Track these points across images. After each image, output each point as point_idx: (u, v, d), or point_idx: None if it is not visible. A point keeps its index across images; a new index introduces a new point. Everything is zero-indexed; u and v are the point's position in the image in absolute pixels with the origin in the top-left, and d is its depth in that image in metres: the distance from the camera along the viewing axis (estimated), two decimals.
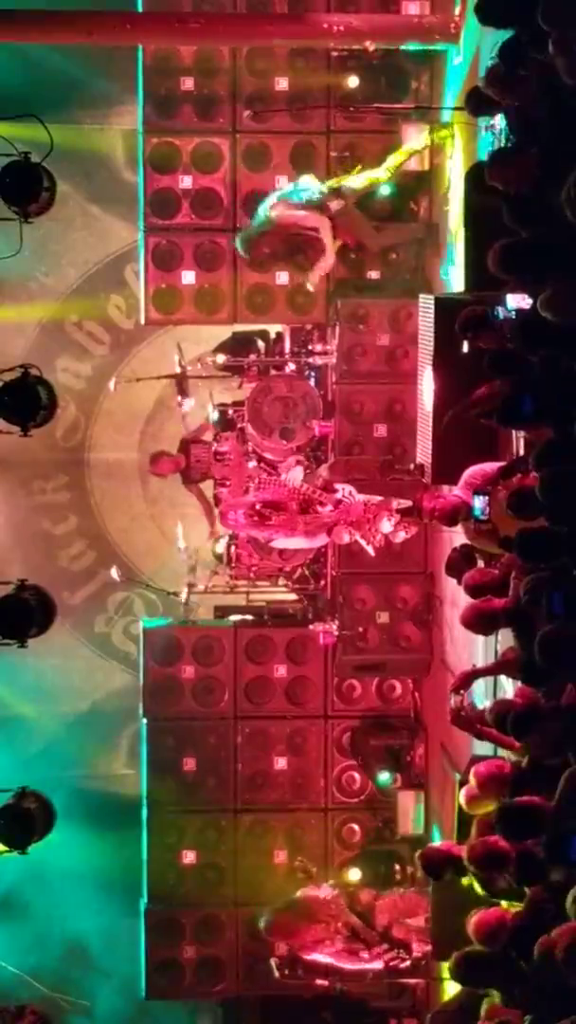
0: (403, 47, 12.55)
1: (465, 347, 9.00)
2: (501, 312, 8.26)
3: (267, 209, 12.14)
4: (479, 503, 8.72)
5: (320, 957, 11.31)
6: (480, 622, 8.20)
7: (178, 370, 13.41)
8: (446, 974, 8.28)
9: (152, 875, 13.51)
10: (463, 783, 8.64)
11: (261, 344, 13.60)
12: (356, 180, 12.27)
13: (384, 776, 13.18)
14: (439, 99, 12.76)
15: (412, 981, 12.21)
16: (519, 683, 8.07)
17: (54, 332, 15.92)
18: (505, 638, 8.55)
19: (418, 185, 12.93)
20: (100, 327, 16.10)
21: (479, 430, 8.94)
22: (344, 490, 10.99)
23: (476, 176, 8.76)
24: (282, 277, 13.28)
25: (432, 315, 10.05)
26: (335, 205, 12.09)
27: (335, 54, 12.91)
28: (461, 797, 8.56)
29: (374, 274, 13.30)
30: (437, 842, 9.64)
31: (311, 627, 13.08)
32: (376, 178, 12.28)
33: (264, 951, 12.68)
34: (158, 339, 15.39)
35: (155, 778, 13.52)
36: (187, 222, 13.38)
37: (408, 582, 12.94)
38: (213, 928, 13.50)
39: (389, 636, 12.95)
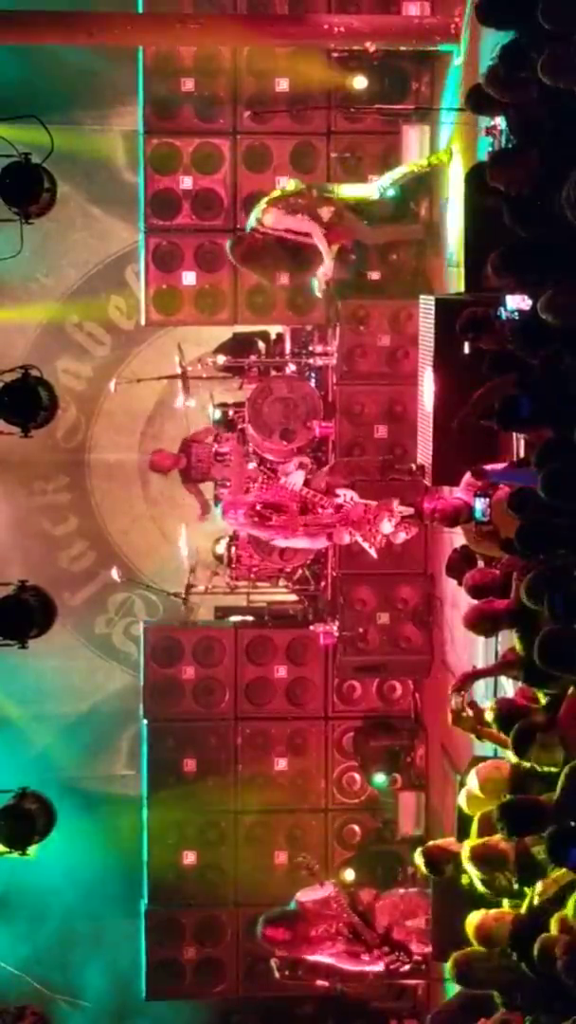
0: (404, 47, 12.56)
1: (466, 348, 9.01)
2: (504, 313, 8.27)
3: (259, 213, 12.12)
4: (480, 505, 8.73)
5: (321, 958, 11.30)
6: (482, 623, 8.20)
7: (179, 371, 13.42)
8: (447, 975, 8.27)
9: (152, 876, 13.51)
10: (463, 783, 8.65)
11: (261, 345, 13.61)
12: (347, 190, 12.25)
13: (379, 778, 13.18)
14: (440, 100, 12.75)
15: (413, 982, 12.22)
16: (519, 683, 8.08)
17: (55, 333, 15.93)
18: (505, 639, 8.55)
19: (418, 186, 12.91)
20: (101, 328, 16.11)
21: (480, 432, 8.94)
22: (345, 495, 10.99)
23: (476, 177, 8.76)
24: (282, 278, 13.28)
25: (432, 316, 10.05)
26: (326, 213, 12.06)
27: (336, 55, 12.90)
28: (461, 797, 8.57)
29: (375, 275, 13.30)
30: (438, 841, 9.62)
31: (311, 628, 13.08)
32: (365, 196, 12.25)
33: (264, 952, 12.67)
34: (158, 340, 15.40)
35: (155, 779, 13.53)
36: (188, 223, 13.38)
37: (408, 583, 12.94)
38: (213, 929, 13.51)
39: (389, 637, 12.94)
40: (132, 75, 13.36)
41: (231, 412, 13.21)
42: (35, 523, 16.17)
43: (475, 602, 8.33)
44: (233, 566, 13.09)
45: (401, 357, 12.80)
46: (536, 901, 7.32)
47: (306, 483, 11.25)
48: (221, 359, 13.31)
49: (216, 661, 13.55)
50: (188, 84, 13.24)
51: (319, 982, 11.60)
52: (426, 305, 10.41)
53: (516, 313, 8.08)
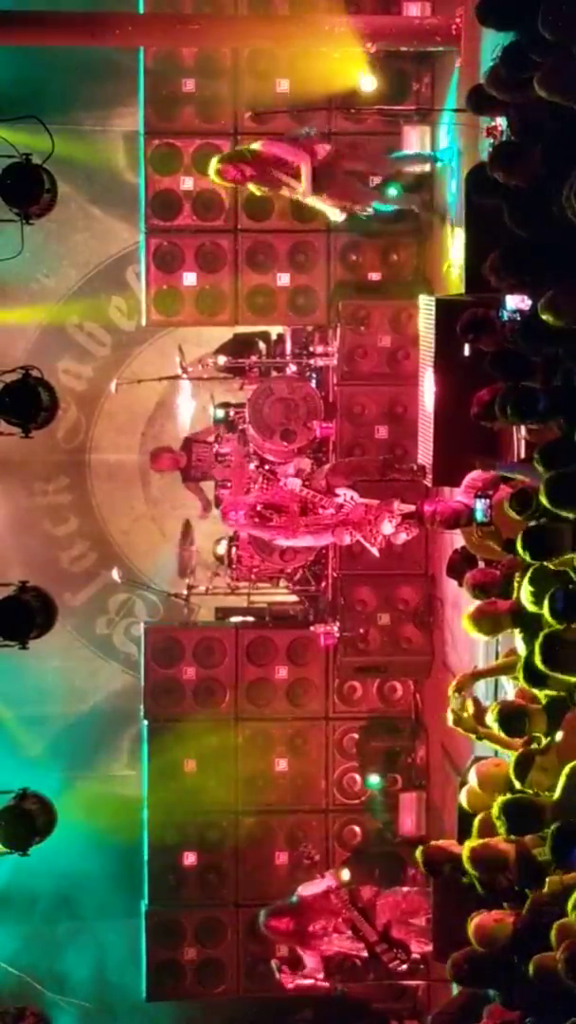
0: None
1: (466, 349, 9.01)
2: (506, 314, 8.27)
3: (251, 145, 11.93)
4: (481, 506, 8.73)
5: (320, 954, 11.31)
6: (484, 623, 8.20)
7: (179, 372, 13.42)
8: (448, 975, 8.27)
9: (153, 876, 13.51)
10: (463, 784, 8.66)
11: (262, 346, 13.61)
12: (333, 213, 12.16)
13: (374, 779, 13.19)
14: (441, 100, 12.75)
15: (414, 983, 12.21)
16: (520, 684, 8.08)
17: (55, 333, 15.93)
18: (506, 639, 8.55)
19: (419, 186, 12.92)
20: (101, 329, 16.12)
21: (480, 432, 8.94)
22: (346, 495, 11.00)
23: (476, 177, 8.76)
24: (283, 279, 13.29)
25: (433, 316, 10.05)
26: (321, 150, 11.87)
27: (336, 56, 12.88)
28: (462, 796, 8.57)
29: (375, 275, 13.31)
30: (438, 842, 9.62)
31: (312, 628, 13.08)
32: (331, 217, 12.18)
33: (265, 952, 12.68)
34: (159, 341, 15.40)
35: (156, 779, 13.52)
36: (188, 224, 13.38)
37: (409, 583, 12.94)
38: (214, 929, 13.50)
39: (390, 638, 12.95)
40: (133, 76, 13.36)
41: (232, 413, 13.21)
42: (36, 524, 16.17)
43: (476, 602, 8.34)
44: (234, 567, 13.09)
45: (402, 358, 12.81)
46: (537, 901, 7.33)
47: (306, 483, 11.25)
48: (222, 360, 13.31)
49: (217, 662, 13.54)
50: (189, 85, 13.24)
51: (319, 983, 11.60)
52: (427, 305, 10.41)
53: (516, 313, 8.09)
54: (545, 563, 7.39)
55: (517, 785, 7.60)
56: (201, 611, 14.09)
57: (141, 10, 13.00)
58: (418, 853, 8.76)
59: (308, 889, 11.39)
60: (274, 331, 13.76)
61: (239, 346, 13.56)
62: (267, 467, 12.51)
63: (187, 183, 13.32)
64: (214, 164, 11.70)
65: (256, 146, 11.74)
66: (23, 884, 14.21)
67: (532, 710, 7.71)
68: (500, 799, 7.49)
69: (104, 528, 16.27)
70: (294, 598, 13.86)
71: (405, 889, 11.66)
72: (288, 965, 11.56)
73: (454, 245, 11.66)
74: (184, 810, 13.52)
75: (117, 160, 15.38)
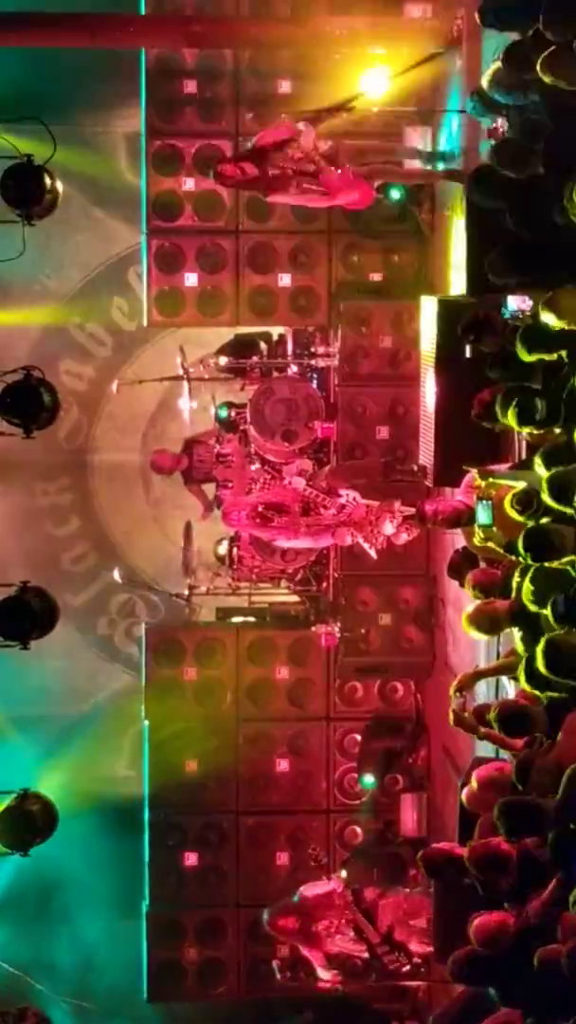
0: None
1: (467, 350, 9.02)
2: (508, 315, 8.28)
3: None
4: (482, 507, 8.73)
5: (323, 954, 11.31)
6: (482, 623, 8.21)
7: (181, 372, 13.43)
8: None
9: (154, 877, 13.51)
10: (464, 784, 8.65)
11: (263, 346, 13.61)
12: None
13: (368, 779, 13.19)
14: (442, 102, 12.75)
15: (415, 984, 12.21)
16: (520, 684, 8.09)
17: (57, 334, 15.93)
18: (507, 639, 8.56)
19: (420, 187, 12.91)
20: (103, 329, 16.11)
21: (481, 433, 8.94)
22: (347, 495, 11.00)
23: (478, 178, 8.77)
24: (284, 279, 13.30)
25: (434, 317, 10.06)
26: (324, 145, 11.75)
27: (337, 57, 12.89)
28: (463, 798, 8.57)
29: (376, 276, 13.31)
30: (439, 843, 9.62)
31: (313, 629, 13.08)
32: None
33: (266, 953, 12.69)
34: (161, 341, 15.39)
35: (157, 780, 13.53)
36: (189, 224, 13.39)
37: (410, 584, 12.95)
38: (215, 930, 13.50)
39: (391, 638, 12.95)
40: (134, 77, 13.37)
41: (233, 413, 13.21)
42: (37, 524, 16.17)
43: (477, 602, 8.34)
44: (235, 567, 13.10)
45: (403, 358, 12.80)
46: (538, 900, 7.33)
47: (308, 484, 11.25)
48: (223, 360, 13.31)
49: (218, 662, 13.55)
50: (190, 86, 13.26)
51: (320, 983, 11.60)
52: (428, 306, 10.42)
53: (517, 313, 8.10)
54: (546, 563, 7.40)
55: (518, 787, 7.60)
56: (202, 611, 14.09)
57: (143, 11, 13.01)
58: (419, 856, 8.75)
59: (311, 889, 11.39)
60: (275, 332, 13.76)
61: (240, 347, 13.56)
62: (268, 467, 12.52)
63: (188, 184, 13.34)
64: (214, 168, 11.71)
65: (251, 143, 11.73)
66: (23, 884, 14.21)
67: (533, 710, 7.72)
68: (500, 800, 7.49)
69: (105, 528, 16.27)
70: (295, 598, 13.86)
71: (407, 890, 11.66)
72: (294, 966, 11.56)
73: (455, 246, 11.66)
74: (185, 810, 13.52)
75: (118, 161, 15.38)
